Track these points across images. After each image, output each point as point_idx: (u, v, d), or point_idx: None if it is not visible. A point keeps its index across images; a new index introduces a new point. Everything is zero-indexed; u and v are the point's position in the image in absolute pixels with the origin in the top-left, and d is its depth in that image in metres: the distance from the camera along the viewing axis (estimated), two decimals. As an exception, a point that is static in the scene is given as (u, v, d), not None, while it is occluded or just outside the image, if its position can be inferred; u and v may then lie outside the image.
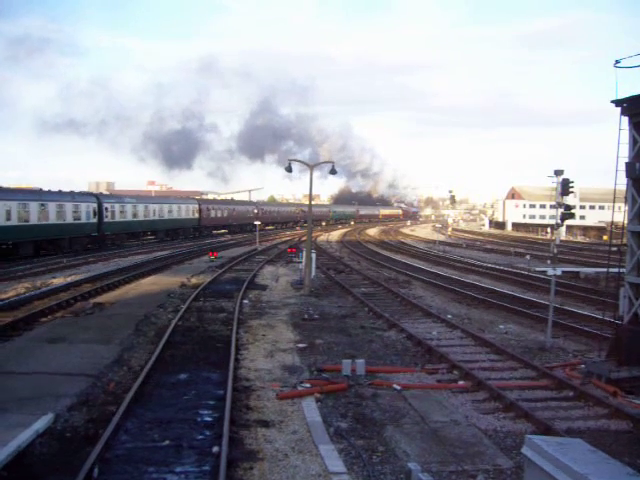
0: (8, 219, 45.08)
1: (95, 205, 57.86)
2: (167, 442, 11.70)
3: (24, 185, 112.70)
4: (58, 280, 33.96)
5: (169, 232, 76.22)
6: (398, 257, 56.09)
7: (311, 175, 32.77)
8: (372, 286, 35.32)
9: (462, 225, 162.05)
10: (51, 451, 11.21)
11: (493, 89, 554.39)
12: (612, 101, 17.17)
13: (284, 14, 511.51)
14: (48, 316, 23.72)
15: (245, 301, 28.39)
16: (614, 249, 18.65)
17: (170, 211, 75.77)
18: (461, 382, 16.35)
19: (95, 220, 57.53)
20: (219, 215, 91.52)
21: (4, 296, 28.11)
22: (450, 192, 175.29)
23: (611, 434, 12.80)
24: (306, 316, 25.06)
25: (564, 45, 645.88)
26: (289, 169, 33.39)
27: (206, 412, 13.55)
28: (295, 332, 22.08)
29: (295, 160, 34.90)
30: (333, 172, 34.32)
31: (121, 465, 10.65)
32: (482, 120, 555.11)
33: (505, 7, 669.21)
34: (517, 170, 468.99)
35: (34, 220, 48.41)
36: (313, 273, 33.94)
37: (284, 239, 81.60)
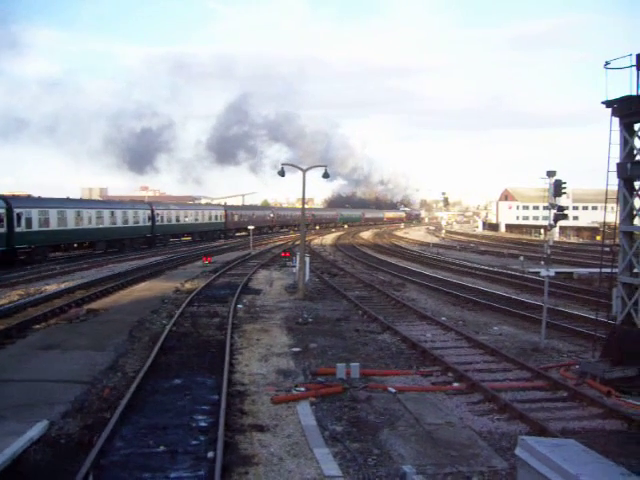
0: (89, 223, 58.25)
1: (149, 211, 70.86)
2: (162, 448, 11.69)
3: (17, 192, 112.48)
4: (52, 287, 33.89)
5: (201, 234, 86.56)
6: (392, 260, 56.13)
7: (304, 179, 32.78)
8: (366, 289, 35.33)
9: (456, 227, 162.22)
10: (46, 458, 11.19)
11: (485, 91, 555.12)
12: (603, 102, 17.24)
13: (275, 19, 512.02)
14: (42, 323, 23.65)
15: (239, 306, 28.37)
16: (607, 249, 18.69)
17: (203, 216, 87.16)
18: (456, 384, 16.37)
19: (149, 224, 70.64)
20: (241, 219, 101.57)
21: (-2, 303, 28.01)
22: (443, 194, 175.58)
23: (606, 434, 12.81)
24: (300, 320, 25.06)
25: (556, 47, 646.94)
26: (282, 173, 33.39)
27: (201, 417, 13.53)
28: (289, 336, 22.08)
29: (288, 164, 34.91)
30: (326, 176, 34.31)
31: (116, 471, 10.64)
32: (475, 122, 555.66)
33: (497, 10, 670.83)
34: (510, 172, 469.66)
35: (107, 224, 61.33)
36: (307, 277, 33.93)
37: (278, 243, 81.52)
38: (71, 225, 55.45)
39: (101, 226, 60.25)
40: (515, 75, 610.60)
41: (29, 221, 48.93)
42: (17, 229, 47.15)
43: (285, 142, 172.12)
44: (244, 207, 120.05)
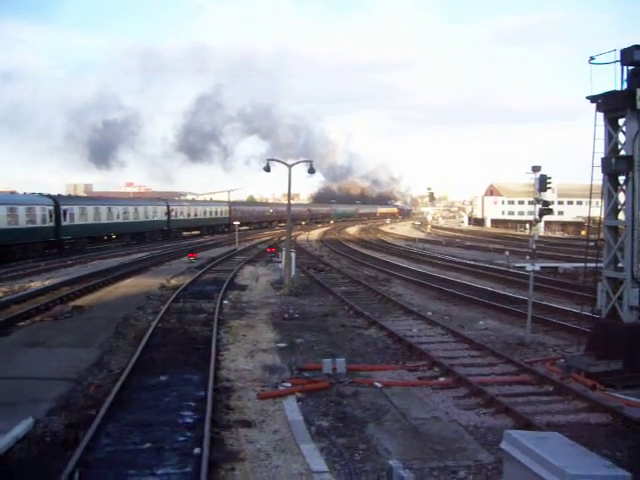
0: (118, 218, 67.62)
1: (165, 208, 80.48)
2: (148, 445, 11.65)
3: (2, 189, 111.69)
4: (36, 284, 33.71)
5: (208, 228, 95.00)
6: (378, 255, 56.17)
7: (289, 174, 32.77)
8: (352, 284, 35.36)
9: (441, 222, 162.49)
10: (31, 456, 11.12)
11: (471, 86, 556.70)
12: (587, 97, 17.30)
13: (260, 14, 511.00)
14: (26, 320, 23.51)
15: (225, 301, 28.33)
16: (591, 244, 18.79)
17: (210, 212, 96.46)
18: (442, 379, 16.41)
19: (166, 218, 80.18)
20: (244, 215, 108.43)
21: (-19, 301, 27.83)
22: (429, 189, 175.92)
23: (591, 427, 12.88)
24: (286, 315, 25.06)
25: (541, 42, 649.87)
26: (267, 169, 33.35)
27: (187, 413, 13.50)
28: (275, 332, 22.06)
29: (274, 159, 34.85)
30: (312, 171, 34.37)
31: (102, 469, 10.59)
32: (460, 117, 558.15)
33: (482, 5, 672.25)
34: (495, 167, 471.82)
35: (131, 219, 70.89)
36: (293, 272, 33.93)
37: (263, 239, 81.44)
38: (104, 219, 64.87)
39: (127, 220, 70.04)
40: (500, 70, 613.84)
41: (72, 216, 58.02)
42: (63, 223, 56.12)
43: (262, 135, 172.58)
44: (246, 203, 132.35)
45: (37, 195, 56.03)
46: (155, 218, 77.30)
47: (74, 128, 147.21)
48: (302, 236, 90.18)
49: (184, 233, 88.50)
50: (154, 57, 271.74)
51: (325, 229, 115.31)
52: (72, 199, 64.87)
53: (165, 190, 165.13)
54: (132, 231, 71.51)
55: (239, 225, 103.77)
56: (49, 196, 57.22)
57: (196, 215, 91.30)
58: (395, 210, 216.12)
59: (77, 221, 58.61)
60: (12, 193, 57.51)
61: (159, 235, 78.19)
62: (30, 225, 50.82)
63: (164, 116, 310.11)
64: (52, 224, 54.15)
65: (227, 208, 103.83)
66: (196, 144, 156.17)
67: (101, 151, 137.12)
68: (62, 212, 55.86)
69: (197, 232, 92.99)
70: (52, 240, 54.73)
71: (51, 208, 54.43)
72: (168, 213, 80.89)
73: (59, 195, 63.11)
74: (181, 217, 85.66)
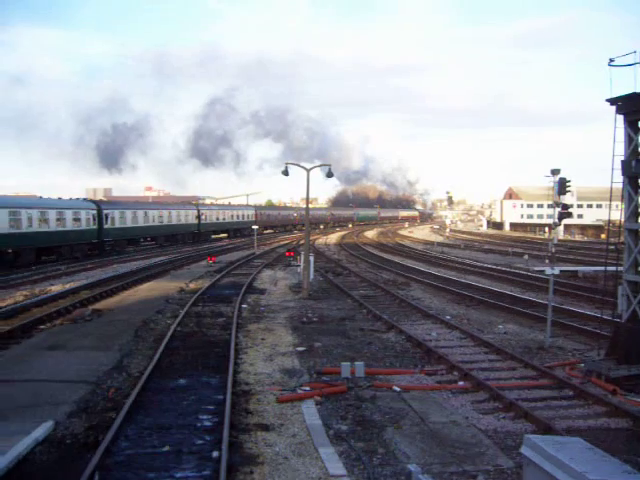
0: (153, 221, 71.73)
1: (196, 212, 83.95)
2: (167, 448, 11.70)
3: (22, 193, 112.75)
4: (56, 287, 33.95)
5: (236, 231, 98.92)
6: (396, 259, 56.08)
7: (308, 178, 32.79)
8: (370, 288, 35.32)
9: (460, 226, 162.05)
10: (51, 458, 11.20)
11: (488, 89, 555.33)
12: (607, 100, 17.21)
13: (277, 19, 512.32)
14: (47, 323, 23.70)
15: (244, 305, 28.39)
16: (612, 247, 18.67)
17: (237, 215, 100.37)
18: (461, 383, 16.35)
19: (196, 222, 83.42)
20: (269, 218, 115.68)
21: (2, 304, 28.10)
22: (447, 193, 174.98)
23: (611, 432, 12.81)
24: (305, 319, 25.07)
25: (558, 44, 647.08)
26: (286, 172, 33.38)
27: (206, 417, 13.54)
28: (294, 335, 22.08)
29: (292, 163, 34.88)
30: (330, 175, 34.35)
31: (121, 472, 10.65)
32: (478, 121, 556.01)
33: (498, 8, 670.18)
34: (514, 170, 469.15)
35: (165, 222, 74.83)
36: (311, 276, 33.94)
37: (282, 243, 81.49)
38: (141, 223, 68.55)
39: (162, 224, 73.98)
40: (518, 73, 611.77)
41: (113, 220, 61.93)
42: (105, 226, 59.97)
43: (276, 139, 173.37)
44: (271, 208, 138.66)
45: (82, 200, 60.82)
46: (187, 222, 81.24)
47: (93, 133, 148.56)
48: (321, 240, 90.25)
49: (213, 236, 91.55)
50: (168, 62, 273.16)
51: (344, 233, 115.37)
52: (113, 204, 68.91)
53: (183, 194, 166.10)
54: (166, 234, 75.66)
55: (265, 229, 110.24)
56: (92, 201, 62.19)
57: (224, 219, 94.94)
58: (417, 214, 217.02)
59: (117, 224, 62.74)
60: (40, 198, 59.15)
61: (190, 238, 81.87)
62: (76, 228, 55.11)
63: (178, 121, 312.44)
64: (95, 227, 58.33)
65: (253, 212, 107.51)
66: (210, 148, 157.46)
67: (114, 155, 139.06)
68: (104, 216, 59.80)
69: (225, 235, 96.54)
70: (95, 242, 58.69)
71: (94, 212, 58.45)
72: (199, 217, 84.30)
73: (101, 200, 69.48)
74: (210, 221, 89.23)
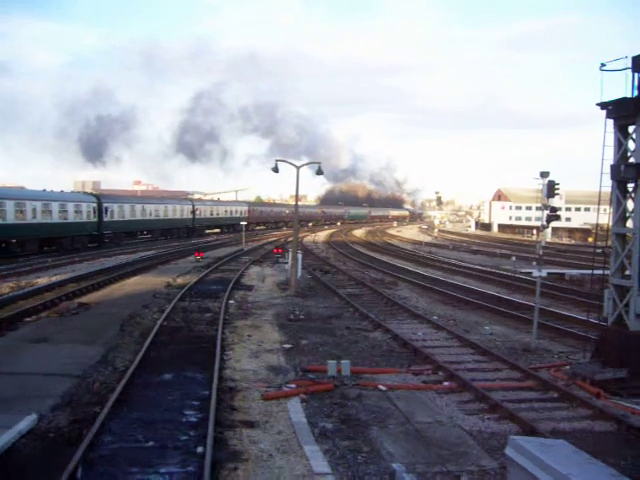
0: (150, 215, 73.46)
1: (191, 207, 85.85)
2: (151, 443, 11.65)
3: (10, 184, 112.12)
4: (43, 280, 33.76)
5: (229, 226, 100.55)
6: (384, 258, 56.15)
7: (297, 176, 32.76)
8: (358, 287, 35.34)
9: (448, 226, 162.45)
10: (34, 452, 11.14)
11: (479, 91, 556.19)
12: (597, 104, 17.26)
13: (269, 16, 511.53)
14: (33, 316, 23.57)
15: (231, 301, 28.34)
16: (599, 251, 18.73)
17: (231, 211, 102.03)
18: (446, 383, 16.37)
19: (191, 217, 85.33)
20: (261, 215, 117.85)
21: (-12, 295, 27.90)
22: (437, 193, 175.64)
23: (595, 435, 12.86)
24: (292, 317, 25.05)
25: (551, 48, 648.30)
26: (276, 169, 33.34)
27: (191, 412, 13.50)
28: (281, 332, 22.06)
29: (282, 160, 34.78)
30: (320, 172, 34.36)
31: (105, 466, 10.59)
32: (468, 122, 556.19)
33: (491, 10, 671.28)
34: (503, 172, 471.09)
35: (161, 216, 76.57)
36: (299, 274, 33.91)
37: (270, 239, 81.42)
38: (138, 216, 70.16)
39: (158, 218, 75.87)
40: (509, 75, 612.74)
41: (112, 213, 63.58)
42: (104, 219, 61.70)
43: (264, 135, 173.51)
44: (263, 204, 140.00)
45: (82, 193, 64.64)
46: (183, 216, 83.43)
47: (79, 125, 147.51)
48: (309, 237, 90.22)
49: (207, 231, 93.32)
50: (160, 56, 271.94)
51: (332, 231, 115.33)
52: (112, 197, 70.60)
53: (171, 189, 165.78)
54: (162, 228, 78.08)
55: (257, 225, 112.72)
56: (92, 194, 64.33)
57: (218, 214, 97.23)
58: (407, 213, 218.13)
59: (116, 217, 64.57)
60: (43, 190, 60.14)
61: (185, 232, 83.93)
62: (78, 220, 57.07)
63: (165, 114, 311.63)
64: (95, 220, 60.12)
65: (246, 208, 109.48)
66: (197, 142, 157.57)
67: (98, 147, 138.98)
68: (104, 209, 61.47)
69: (218, 230, 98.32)
70: (95, 234, 60.49)
71: (95, 205, 60.21)
72: (193, 212, 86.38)
73: (101, 194, 71.36)
74: (205, 216, 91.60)
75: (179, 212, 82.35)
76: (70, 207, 55.73)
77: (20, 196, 50.43)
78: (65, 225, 54.68)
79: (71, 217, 55.82)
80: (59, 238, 53.81)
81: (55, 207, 53.23)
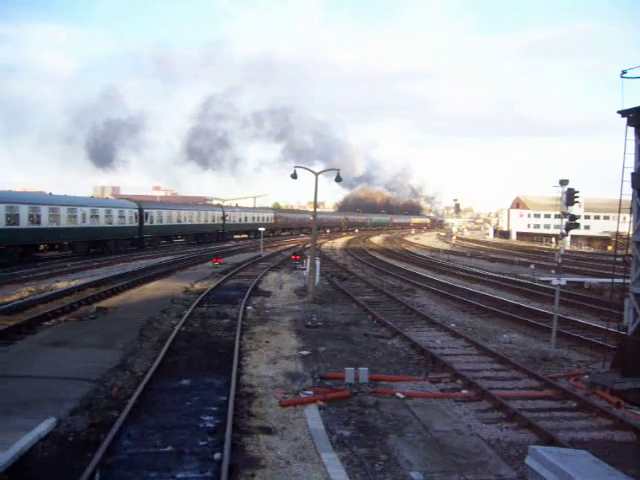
0: (185, 220, 78.85)
1: (221, 213, 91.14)
2: (169, 448, 11.68)
3: (29, 189, 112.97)
4: (62, 284, 33.97)
5: (256, 232, 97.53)
6: (402, 265, 56.02)
7: (316, 182, 32.79)
8: (376, 294, 35.27)
9: (466, 234, 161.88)
10: (53, 455, 11.19)
11: (498, 98, 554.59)
12: (618, 111, 17.13)
13: (289, 22, 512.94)
14: (52, 320, 23.73)
15: (249, 307, 28.38)
16: (619, 259, 18.59)
17: (258, 218, 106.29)
18: (464, 391, 16.30)
19: (221, 222, 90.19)
20: (287, 221, 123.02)
21: (8, 299, 28.11)
22: (455, 201, 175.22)
23: (615, 445, 12.73)
24: (309, 323, 25.03)
25: (569, 55, 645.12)
26: (294, 176, 33.40)
27: (208, 418, 13.52)
28: (298, 339, 22.04)
29: (301, 167, 34.84)
30: (338, 179, 34.36)
31: (123, 470, 10.63)
32: (487, 129, 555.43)
33: (510, 17, 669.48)
34: (522, 180, 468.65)
35: (194, 222, 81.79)
36: (317, 280, 33.90)
37: (288, 246, 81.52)
38: (174, 222, 75.64)
39: (192, 223, 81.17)
40: (528, 82, 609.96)
41: (151, 218, 68.97)
42: (145, 224, 66.99)
43: (277, 140, 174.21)
44: (288, 211, 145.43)
45: (125, 200, 69.34)
46: (214, 222, 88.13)
47: (95, 131, 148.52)
48: (327, 244, 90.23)
49: (235, 236, 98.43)
50: (174, 63, 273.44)
51: (349, 238, 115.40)
52: (151, 204, 76.14)
53: (189, 195, 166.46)
54: (195, 232, 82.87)
55: (282, 230, 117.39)
56: (134, 201, 69.09)
57: (246, 220, 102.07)
58: (428, 221, 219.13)
59: (155, 222, 69.83)
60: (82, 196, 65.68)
61: (215, 237, 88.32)
62: (121, 224, 62.05)
63: (183, 120, 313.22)
64: (136, 224, 65.02)
65: (272, 215, 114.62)
66: (208, 148, 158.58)
67: (107, 153, 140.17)
68: (144, 214, 66.58)
69: (245, 235, 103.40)
70: (136, 237, 65.57)
71: (136, 211, 65.02)
72: (223, 218, 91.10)
73: (141, 200, 76.00)
74: (234, 222, 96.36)
75: (210, 218, 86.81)
76: (115, 212, 60.55)
77: (72, 202, 54.48)
78: (110, 229, 59.59)
79: (115, 222, 60.43)
80: (105, 241, 58.53)
81: (102, 212, 57.98)
